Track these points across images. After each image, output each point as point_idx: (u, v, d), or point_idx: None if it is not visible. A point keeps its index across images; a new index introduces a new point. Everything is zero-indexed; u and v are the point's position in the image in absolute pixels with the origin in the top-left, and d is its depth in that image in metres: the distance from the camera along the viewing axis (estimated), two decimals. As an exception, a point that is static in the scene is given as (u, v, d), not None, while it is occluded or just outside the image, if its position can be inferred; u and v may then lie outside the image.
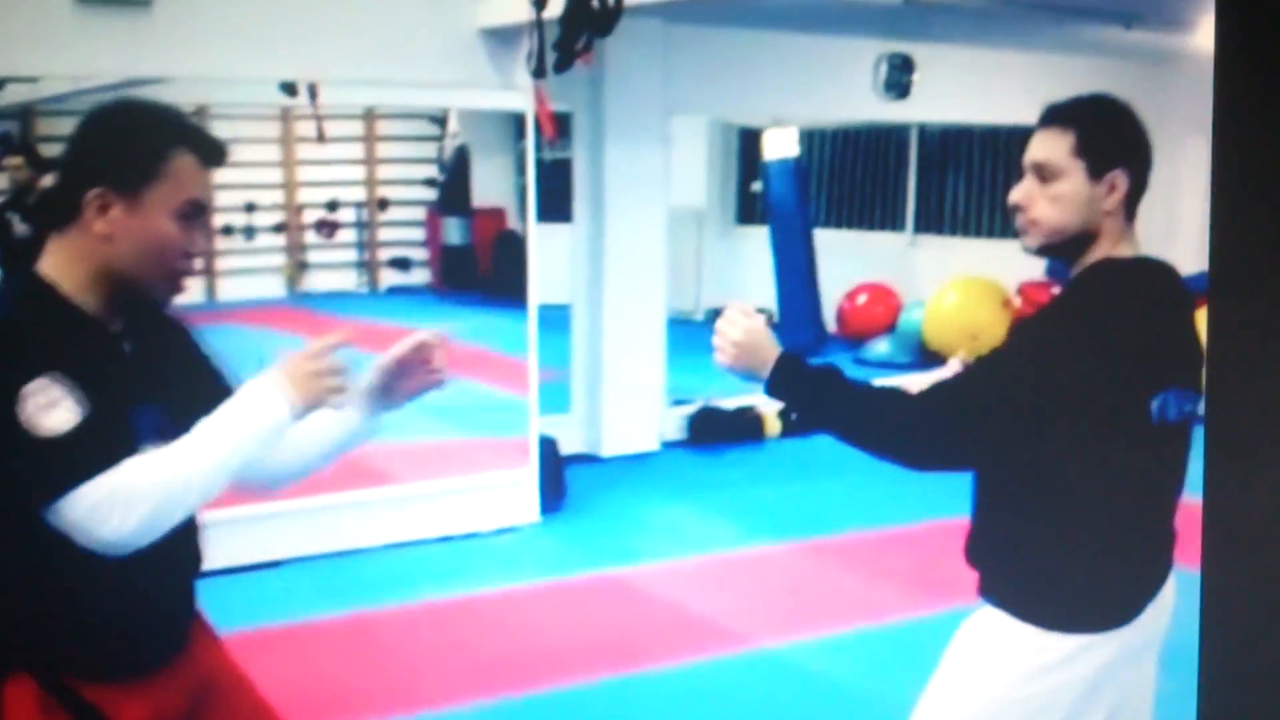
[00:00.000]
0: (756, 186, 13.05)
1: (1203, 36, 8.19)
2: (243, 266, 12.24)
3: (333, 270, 12.25)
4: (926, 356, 10.48)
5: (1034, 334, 2.35)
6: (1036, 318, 2.42)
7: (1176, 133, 9.27)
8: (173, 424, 2.05)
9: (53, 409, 1.90)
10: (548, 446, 6.74)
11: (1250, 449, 1.14)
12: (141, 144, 2.05)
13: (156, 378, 2.12)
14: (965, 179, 12.25)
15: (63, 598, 1.99)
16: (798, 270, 11.27)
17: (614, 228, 7.83)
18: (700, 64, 8.07)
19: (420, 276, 14.33)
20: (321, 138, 8.85)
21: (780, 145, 11.35)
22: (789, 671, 4.80)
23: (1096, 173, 2.30)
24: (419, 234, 12.99)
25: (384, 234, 12.55)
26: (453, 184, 14.25)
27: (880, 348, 11.01)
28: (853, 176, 13.11)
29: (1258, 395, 1.11)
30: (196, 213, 2.07)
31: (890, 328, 11.42)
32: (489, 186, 14.45)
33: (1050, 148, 2.32)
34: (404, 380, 2.35)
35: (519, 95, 6.50)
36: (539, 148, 6.70)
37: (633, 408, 7.98)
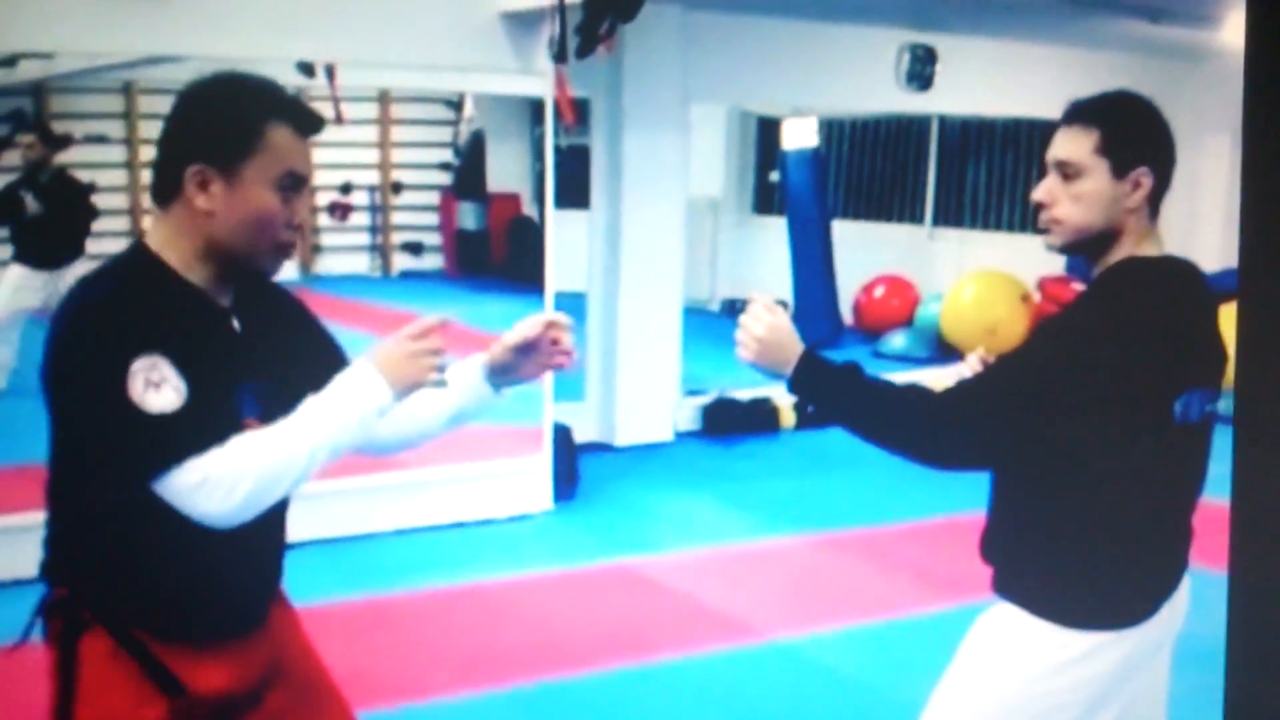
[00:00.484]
0: (774, 176, 13.01)
1: (1229, 32, 8.13)
2: (256, 249, 12.25)
3: (345, 254, 12.24)
4: (944, 350, 10.44)
5: (1058, 332, 2.32)
6: (1060, 316, 2.40)
7: (1200, 129, 9.23)
8: (280, 400, 2.07)
9: (160, 387, 1.93)
10: (562, 435, 6.70)
11: (1279, 445, 1.11)
12: (237, 118, 2.05)
13: (265, 353, 2.14)
14: (986, 172, 12.18)
15: (147, 559, 2.03)
16: (814, 262, 11.22)
17: (631, 216, 7.79)
18: (720, 52, 8.02)
19: (433, 261, 14.33)
20: (339, 119, 8.80)
21: (799, 135, 11.29)
22: (801, 664, 4.76)
23: (1120, 171, 2.28)
24: (433, 219, 12.97)
25: (397, 218, 12.54)
26: (468, 168, 14.24)
27: (897, 341, 10.96)
28: (872, 168, 13.06)
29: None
30: (296, 183, 2.07)
31: (907, 321, 11.37)
32: (504, 172, 14.44)
33: (1074, 146, 2.31)
34: (529, 358, 2.36)
35: (538, 80, 6.45)
36: (556, 134, 6.66)
37: (647, 397, 7.95)
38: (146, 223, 12.72)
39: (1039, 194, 2.35)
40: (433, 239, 13.24)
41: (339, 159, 11.77)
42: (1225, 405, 2.09)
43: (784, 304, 11.17)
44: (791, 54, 8.32)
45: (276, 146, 2.04)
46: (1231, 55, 8.79)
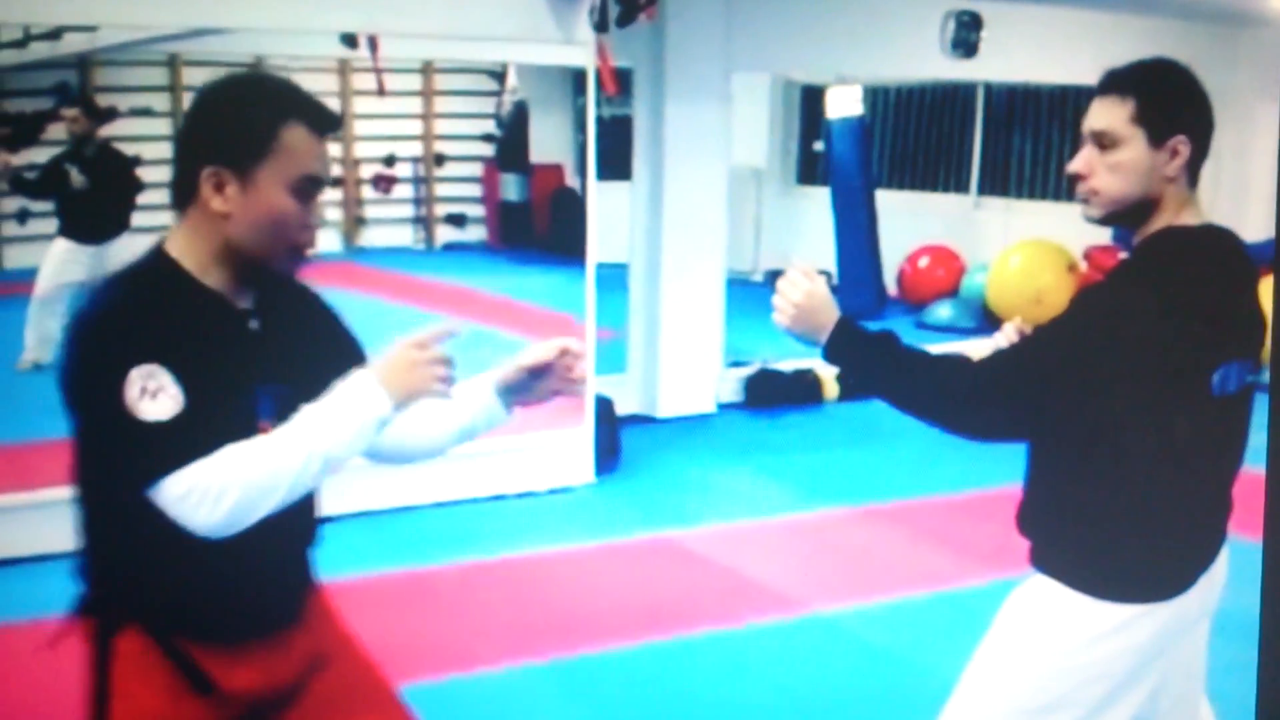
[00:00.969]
0: (818, 146, 12.92)
1: (1278, -1, 8.00)
2: (300, 221, 12.29)
3: (389, 226, 12.27)
4: (989, 321, 10.36)
5: (1094, 304, 2.30)
6: (1097, 287, 2.38)
7: (1250, 96, 9.10)
8: (299, 403, 2.04)
9: (155, 396, 1.92)
10: (604, 407, 6.70)
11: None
12: (252, 120, 2.03)
13: (285, 355, 2.13)
14: (1032, 140, 12.05)
15: (176, 560, 2.01)
16: (858, 232, 11.15)
17: (673, 186, 7.75)
18: (763, 20, 7.95)
19: (476, 233, 14.33)
20: (382, 91, 8.81)
21: (844, 103, 11.21)
22: (841, 637, 4.76)
23: (1157, 140, 2.26)
24: (476, 190, 12.96)
25: (440, 190, 12.54)
26: (511, 140, 14.22)
27: (942, 312, 10.88)
28: (917, 136, 12.94)
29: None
30: (312, 186, 2.06)
31: (952, 291, 11.28)
32: (547, 143, 14.41)
33: (1110, 115, 2.29)
34: (541, 381, 2.38)
35: (580, 50, 6.42)
36: (599, 104, 6.64)
37: (689, 369, 7.93)
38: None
39: (1076, 165, 2.33)
40: (476, 211, 13.24)
41: (382, 131, 11.80)
42: (1263, 375, 2.08)
43: (827, 274, 11.12)
44: (835, 21, 8.25)
45: (292, 149, 2.03)
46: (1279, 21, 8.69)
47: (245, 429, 1.99)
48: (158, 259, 2.06)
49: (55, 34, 7.64)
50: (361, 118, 11.46)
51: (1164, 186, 2.27)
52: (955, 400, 2.29)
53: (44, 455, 6.15)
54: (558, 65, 8.97)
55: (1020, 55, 8.99)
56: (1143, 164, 2.26)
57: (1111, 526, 2.31)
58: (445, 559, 5.46)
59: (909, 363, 2.31)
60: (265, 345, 2.12)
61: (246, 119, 2.04)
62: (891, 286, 11.61)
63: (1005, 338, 2.53)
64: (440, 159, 12.36)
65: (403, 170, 12.14)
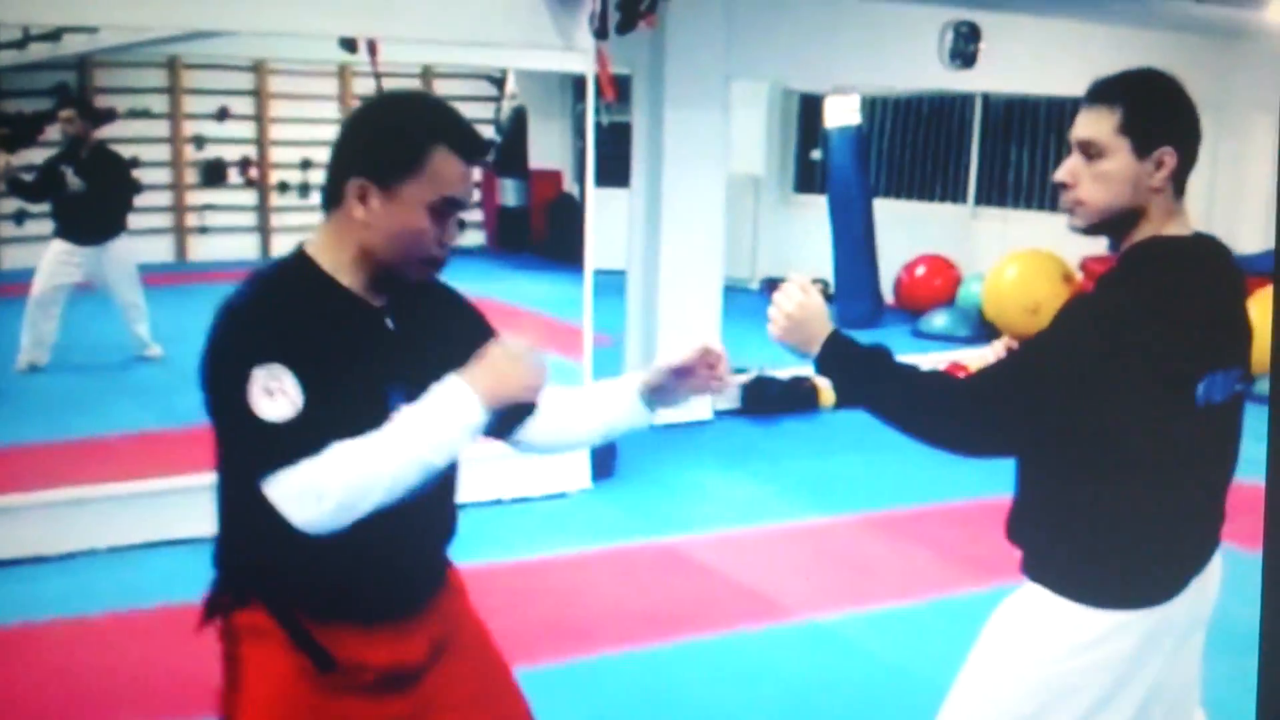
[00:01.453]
0: (816, 154, 12.94)
1: (1275, 12, 8.03)
2: (298, 224, 12.29)
3: (388, 229, 12.25)
4: (985, 330, 10.37)
5: (1082, 311, 2.30)
6: (1085, 296, 2.38)
7: (1244, 108, 9.13)
8: None
9: (274, 396, 2.00)
10: (600, 412, 6.68)
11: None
12: (403, 140, 2.11)
13: (419, 355, 2.18)
14: (1029, 151, 12.08)
15: (305, 548, 2.05)
16: (856, 240, 11.17)
17: (671, 193, 7.76)
18: (762, 28, 7.97)
19: (474, 238, 14.33)
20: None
21: (842, 113, 11.23)
22: (835, 644, 4.76)
23: (1143, 150, 2.26)
24: (474, 195, 12.95)
25: (439, 194, 12.53)
26: (509, 145, 14.24)
27: (938, 320, 10.91)
28: (914, 146, 12.97)
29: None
30: (452, 208, 2.14)
31: (949, 301, 11.31)
32: (545, 149, 14.43)
33: (1096, 125, 2.29)
34: (684, 381, 2.44)
35: (580, 56, 6.43)
36: (598, 110, 6.64)
37: (686, 375, 7.91)
38: (190, 198, 12.82)
39: (1061, 174, 2.33)
40: (474, 215, 13.25)
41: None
42: (1260, 386, 2.08)
43: (825, 283, 11.14)
44: (834, 31, 8.26)
45: (437, 171, 2.10)
46: (1277, 35, 8.72)
47: (376, 427, 2.05)
48: (297, 258, 2.16)
49: (55, 35, 7.65)
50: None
51: (1150, 197, 2.27)
52: (944, 415, 2.30)
53: (39, 457, 6.17)
54: (557, 71, 8.97)
55: (1018, 67, 9.01)
56: (1128, 174, 2.26)
57: (1097, 534, 2.31)
58: (441, 563, 5.46)
59: (899, 377, 2.32)
60: (400, 344, 2.19)
61: (399, 137, 2.12)
62: (888, 295, 11.62)
63: (994, 354, 2.53)
64: (438, 164, 12.37)
65: (401, 175, 12.14)
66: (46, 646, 4.52)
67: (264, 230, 13.34)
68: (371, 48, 6.81)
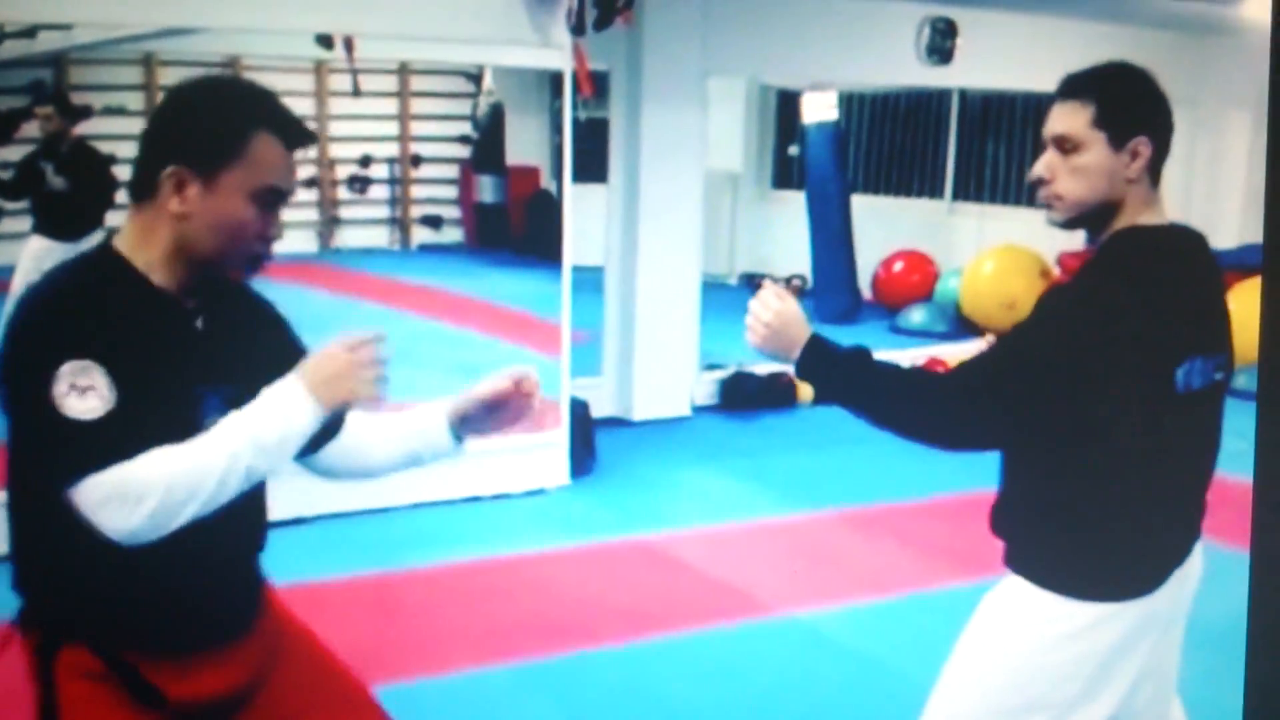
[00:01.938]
0: (794, 150, 12.95)
1: (1251, 8, 8.07)
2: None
3: (365, 227, 12.23)
4: (963, 326, 10.40)
5: (1060, 302, 2.32)
6: (1062, 286, 2.40)
7: (1222, 104, 9.17)
8: (242, 404, 1.98)
9: (84, 394, 1.86)
10: (579, 409, 6.70)
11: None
12: (222, 124, 1.99)
13: (229, 357, 2.07)
14: (1005, 146, 12.11)
15: (114, 569, 1.94)
16: (833, 236, 11.18)
17: (649, 189, 7.76)
18: (740, 24, 7.97)
19: (452, 235, 14.30)
20: (357, 92, 8.81)
21: (819, 109, 11.24)
22: (815, 640, 4.76)
23: (1118, 142, 2.29)
24: (452, 191, 12.94)
25: (416, 191, 12.51)
26: (487, 142, 14.20)
27: (916, 316, 10.92)
28: (892, 142, 12.99)
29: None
30: (275, 198, 2.02)
31: (927, 296, 11.33)
32: (523, 145, 14.39)
33: (1071, 120, 2.31)
34: (496, 414, 2.31)
35: (557, 53, 6.42)
36: (575, 107, 6.64)
37: (665, 372, 7.94)
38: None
39: (1038, 169, 2.35)
40: (452, 212, 13.22)
41: (358, 132, 11.77)
42: (1248, 381, 2.09)
43: (802, 278, 11.15)
44: (811, 27, 8.27)
45: (259, 158, 1.99)
46: (1253, 31, 8.76)
47: (186, 430, 1.93)
48: (104, 253, 2.01)
49: (30, 32, 7.61)
50: (337, 118, 11.44)
51: (1126, 188, 2.30)
52: (926, 409, 2.31)
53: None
54: (534, 68, 8.95)
55: (995, 62, 9.04)
56: (1104, 167, 2.28)
57: (1080, 525, 2.33)
58: (419, 561, 5.45)
59: (880, 377, 2.32)
60: (210, 345, 2.06)
61: (217, 122, 2.00)
62: (866, 291, 11.64)
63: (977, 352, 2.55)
64: (416, 160, 12.34)
65: (378, 171, 12.10)
66: None
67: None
68: (348, 45, 6.79)
